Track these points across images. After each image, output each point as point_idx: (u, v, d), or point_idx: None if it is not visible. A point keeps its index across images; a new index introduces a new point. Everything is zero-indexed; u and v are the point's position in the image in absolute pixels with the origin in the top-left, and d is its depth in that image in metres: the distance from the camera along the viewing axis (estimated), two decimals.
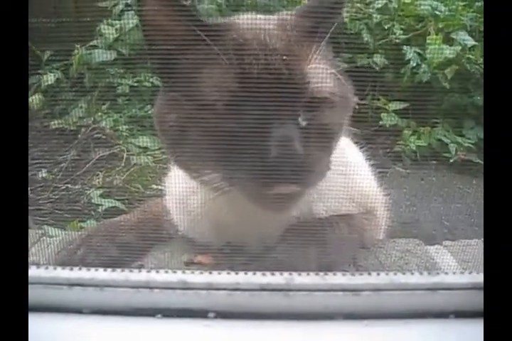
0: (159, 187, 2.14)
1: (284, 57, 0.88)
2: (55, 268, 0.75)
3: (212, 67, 0.89)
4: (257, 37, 0.92)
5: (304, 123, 0.89)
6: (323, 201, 1.07)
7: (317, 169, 0.90)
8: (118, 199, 2.09)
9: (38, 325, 0.72)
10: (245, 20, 0.99)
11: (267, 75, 0.86)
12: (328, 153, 0.94)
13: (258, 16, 1.02)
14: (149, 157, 2.36)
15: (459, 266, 1.12)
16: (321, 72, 0.92)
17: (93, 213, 2.05)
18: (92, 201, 2.12)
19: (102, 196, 2.16)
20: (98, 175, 2.35)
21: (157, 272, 0.74)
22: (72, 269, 0.75)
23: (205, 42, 0.88)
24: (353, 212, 1.14)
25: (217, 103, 0.88)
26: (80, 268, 0.75)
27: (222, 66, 0.88)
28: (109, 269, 0.75)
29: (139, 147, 2.43)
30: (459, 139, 2.53)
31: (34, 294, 0.73)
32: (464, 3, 2.69)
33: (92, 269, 0.75)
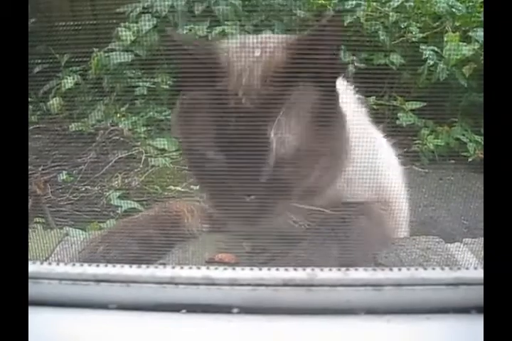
0: (177, 188, 2.17)
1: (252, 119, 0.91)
2: (81, 265, 0.76)
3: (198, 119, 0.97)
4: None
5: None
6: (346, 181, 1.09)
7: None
8: (137, 201, 2.11)
9: (64, 320, 0.74)
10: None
11: (238, 137, 0.90)
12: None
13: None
14: (167, 158, 2.38)
15: (480, 263, 1.12)
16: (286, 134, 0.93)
17: (112, 214, 2.07)
18: (111, 202, 2.14)
19: (120, 197, 2.18)
20: (117, 176, 2.37)
21: (181, 268, 0.75)
22: (98, 265, 0.76)
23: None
24: (369, 200, 1.14)
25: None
26: (106, 265, 0.76)
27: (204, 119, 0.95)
28: (134, 265, 0.76)
29: (157, 149, 2.45)
30: (478, 138, 2.50)
31: (61, 290, 0.75)
32: (481, 0, 2.67)
33: (118, 265, 0.76)
